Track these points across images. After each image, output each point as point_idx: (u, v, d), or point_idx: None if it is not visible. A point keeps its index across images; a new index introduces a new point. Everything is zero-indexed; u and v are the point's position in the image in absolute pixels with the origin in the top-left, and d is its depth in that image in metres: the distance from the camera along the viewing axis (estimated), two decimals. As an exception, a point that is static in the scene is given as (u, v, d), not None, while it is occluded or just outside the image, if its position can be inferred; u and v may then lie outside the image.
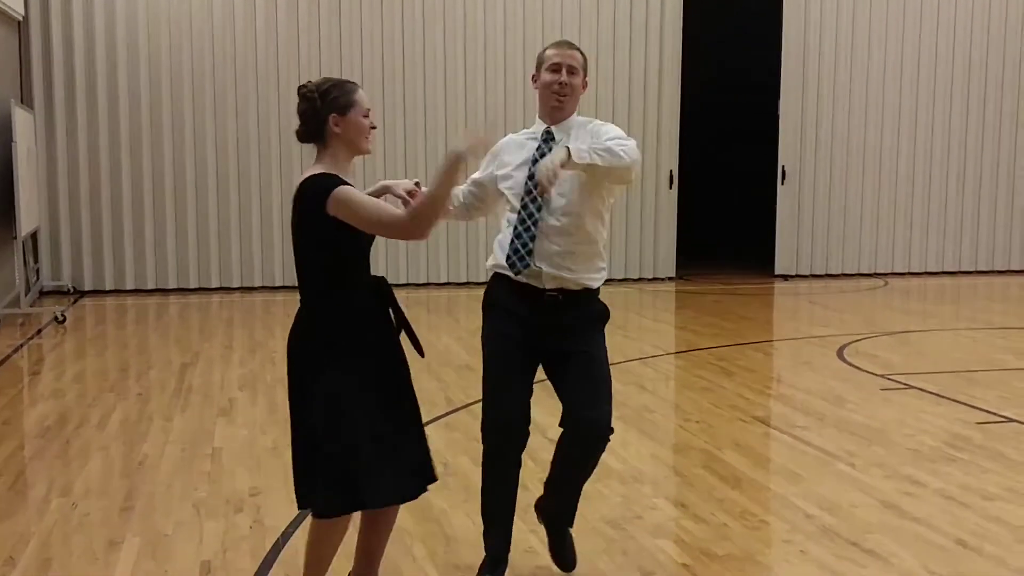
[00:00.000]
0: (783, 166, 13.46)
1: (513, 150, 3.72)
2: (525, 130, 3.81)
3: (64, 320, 9.76)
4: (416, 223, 3.09)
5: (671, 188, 13.19)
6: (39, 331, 9.35)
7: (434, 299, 11.39)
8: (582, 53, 3.70)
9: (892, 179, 13.74)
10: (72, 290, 11.74)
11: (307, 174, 3.16)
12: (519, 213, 3.57)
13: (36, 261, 11.65)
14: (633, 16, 12.89)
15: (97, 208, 11.82)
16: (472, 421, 5.98)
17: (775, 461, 5.40)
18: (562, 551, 3.80)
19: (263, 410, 6.39)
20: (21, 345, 8.70)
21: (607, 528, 4.27)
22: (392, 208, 3.16)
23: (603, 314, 3.73)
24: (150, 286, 12.01)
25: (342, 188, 3.07)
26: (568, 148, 3.29)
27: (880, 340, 8.96)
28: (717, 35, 16.01)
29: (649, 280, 13.04)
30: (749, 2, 14.65)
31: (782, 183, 13.47)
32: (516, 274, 3.57)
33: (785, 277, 13.46)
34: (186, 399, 6.66)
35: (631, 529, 4.27)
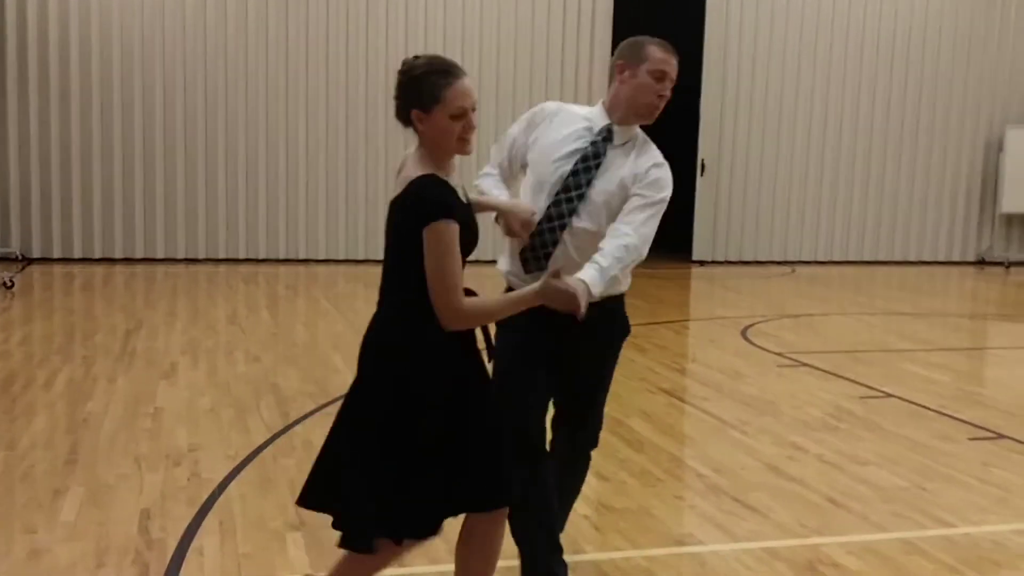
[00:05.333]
0: (703, 159, 14.05)
1: (565, 130, 3.24)
2: (577, 106, 3.36)
3: (12, 286, 9.87)
4: (460, 321, 2.72)
5: None
6: (-18, 296, 9.49)
7: (373, 274, 11.72)
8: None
9: (803, 173, 14.41)
10: (20, 257, 11.82)
11: (414, 172, 2.71)
12: (548, 209, 3.19)
13: (-15, 228, 11.75)
14: (566, 16, 13.35)
15: (47, 177, 11.94)
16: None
17: (675, 428, 5.89)
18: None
19: (203, 374, 6.68)
20: (-43, 310, 8.84)
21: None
22: (459, 280, 2.71)
23: (623, 331, 3.41)
24: (97, 255, 12.14)
25: (444, 225, 2.64)
26: (586, 285, 2.84)
27: (782, 322, 9.56)
28: (645, 35, 16.47)
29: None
30: (674, 5, 15.13)
31: (701, 175, 14.05)
32: (527, 273, 3.22)
33: (701, 263, 14.07)
34: (130, 362, 6.92)
35: (540, 485, 4.71)
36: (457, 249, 2.67)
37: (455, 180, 2.80)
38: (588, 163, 3.19)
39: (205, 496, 4.39)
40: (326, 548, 3.82)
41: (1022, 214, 15.22)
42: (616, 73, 3.25)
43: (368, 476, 2.67)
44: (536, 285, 2.74)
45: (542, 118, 3.30)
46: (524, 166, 3.33)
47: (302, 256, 12.75)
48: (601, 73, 13.34)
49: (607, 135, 3.23)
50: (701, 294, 12.35)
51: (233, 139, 12.43)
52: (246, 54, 12.36)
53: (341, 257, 12.72)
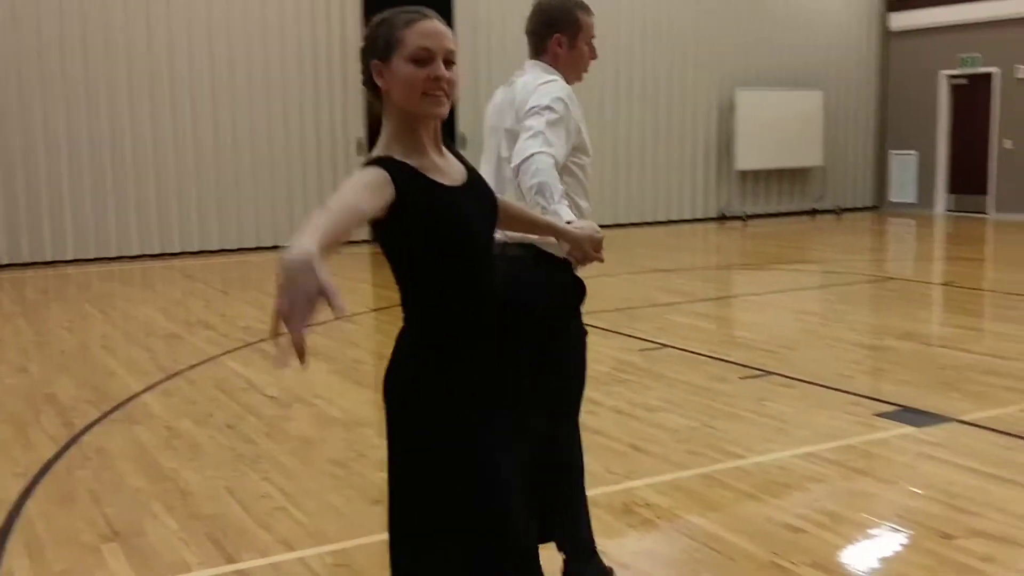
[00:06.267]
0: (462, 132, 14.27)
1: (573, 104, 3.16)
2: (552, 76, 3.19)
3: None
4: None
5: (359, 155, 13.60)
6: None
7: (127, 272, 11.16)
8: None
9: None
10: None
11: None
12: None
13: None
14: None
15: None
16: (187, 385, 6.17)
17: (476, 397, 6.02)
18: None
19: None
20: None
21: (335, 468, 4.68)
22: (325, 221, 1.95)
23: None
24: None
25: (365, 169, 2.11)
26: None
27: (556, 287, 9.92)
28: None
29: (344, 244, 13.37)
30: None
31: (462, 148, 14.24)
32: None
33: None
34: None
35: (357, 467, 4.72)
36: (358, 193, 2.04)
37: (450, 162, 2.26)
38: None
39: (2, 519, 4.11)
40: (147, 555, 3.69)
41: (754, 170, 16.48)
42: (553, 46, 3.24)
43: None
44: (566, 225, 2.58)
45: (569, 99, 3.12)
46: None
47: (48, 258, 11.95)
48: (354, 50, 13.23)
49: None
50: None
51: (98, 127, 11.79)
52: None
53: (91, 256, 12.00)
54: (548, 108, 3.02)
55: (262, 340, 7.25)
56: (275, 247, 12.67)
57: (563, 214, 2.80)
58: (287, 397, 5.90)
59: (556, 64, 3.25)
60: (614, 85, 15.11)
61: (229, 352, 7.07)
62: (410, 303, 2.28)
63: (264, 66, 12.92)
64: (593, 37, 3.29)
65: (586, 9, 3.29)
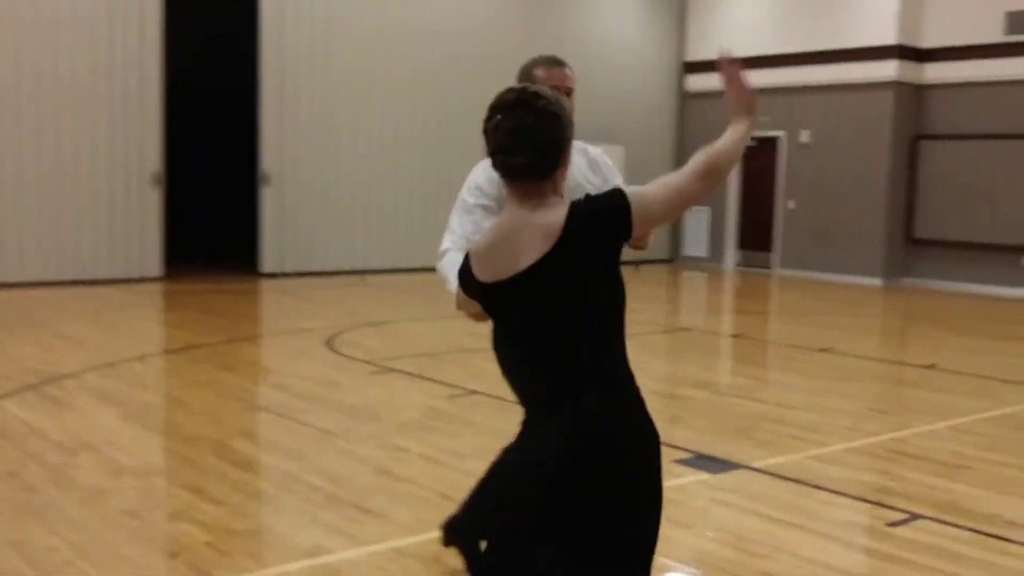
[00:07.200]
0: (266, 168, 13.98)
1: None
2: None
3: None
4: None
5: (156, 187, 13.08)
6: None
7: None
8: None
9: (367, 182, 14.85)
10: None
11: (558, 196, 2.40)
12: None
13: None
14: (112, 12, 12.59)
15: None
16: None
17: (281, 443, 5.86)
18: None
19: None
20: None
21: (128, 519, 4.43)
22: None
23: None
24: None
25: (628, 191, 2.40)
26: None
27: (364, 330, 9.83)
28: (200, 37, 16.06)
29: (136, 281, 12.80)
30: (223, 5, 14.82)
31: (266, 185, 13.98)
32: None
33: (272, 275, 13.99)
34: None
35: (152, 517, 4.49)
36: None
37: None
38: None
39: None
40: None
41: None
42: None
43: None
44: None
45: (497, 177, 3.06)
46: None
47: None
48: (154, 75, 12.80)
49: None
50: (278, 307, 12.30)
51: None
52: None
53: None
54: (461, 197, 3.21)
55: (45, 382, 6.82)
56: (65, 282, 11.99)
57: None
58: (73, 443, 5.55)
59: None
60: (409, 133, 15.23)
61: (9, 395, 6.61)
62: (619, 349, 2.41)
63: (55, 95, 12.24)
64: (561, 88, 3.08)
65: (550, 61, 3.23)
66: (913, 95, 15.72)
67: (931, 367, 8.77)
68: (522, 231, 2.30)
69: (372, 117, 14.79)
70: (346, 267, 14.74)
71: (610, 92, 17.23)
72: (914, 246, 15.94)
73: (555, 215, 2.27)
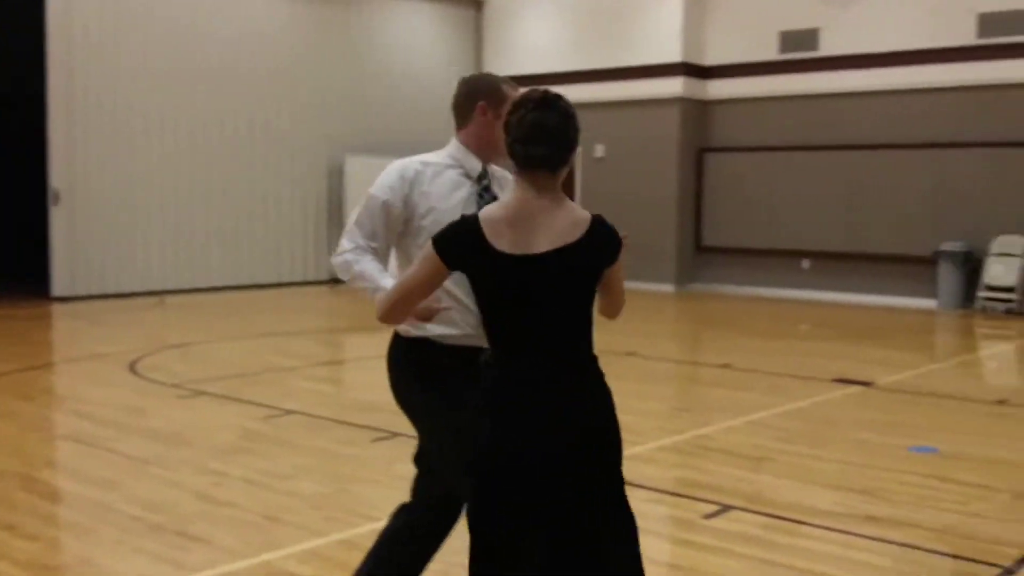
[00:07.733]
0: (55, 187, 13.26)
1: (443, 186, 3.10)
2: (435, 153, 3.20)
3: None
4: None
5: (55, 206, 12.18)
6: None
7: None
8: None
9: (169, 199, 14.33)
10: None
11: (578, 210, 2.67)
12: None
13: None
14: None
15: None
16: None
17: (92, 473, 5.60)
18: None
19: None
20: None
21: (-72, 564, 4.15)
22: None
23: None
24: None
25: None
26: None
27: (168, 353, 9.50)
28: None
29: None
30: (6, 8, 13.93)
31: (55, 204, 13.25)
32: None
33: (63, 299, 13.27)
34: None
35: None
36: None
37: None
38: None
39: None
40: None
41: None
42: (477, 115, 3.17)
43: None
44: None
45: (413, 177, 3.09)
46: (400, 235, 3.13)
47: None
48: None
49: (484, 176, 3.17)
50: (72, 332, 11.68)
51: None
52: None
53: None
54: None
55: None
56: None
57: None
58: None
59: (478, 139, 3.17)
60: (228, 145, 14.87)
61: None
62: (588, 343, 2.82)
63: None
64: None
65: (509, 82, 3.24)
66: (698, 110, 16.61)
67: (726, 366, 9.32)
68: (540, 216, 2.59)
69: (169, 127, 14.30)
70: (143, 288, 14.16)
71: (410, 107, 17.30)
72: (702, 253, 16.83)
73: (581, 212, 2.64)
